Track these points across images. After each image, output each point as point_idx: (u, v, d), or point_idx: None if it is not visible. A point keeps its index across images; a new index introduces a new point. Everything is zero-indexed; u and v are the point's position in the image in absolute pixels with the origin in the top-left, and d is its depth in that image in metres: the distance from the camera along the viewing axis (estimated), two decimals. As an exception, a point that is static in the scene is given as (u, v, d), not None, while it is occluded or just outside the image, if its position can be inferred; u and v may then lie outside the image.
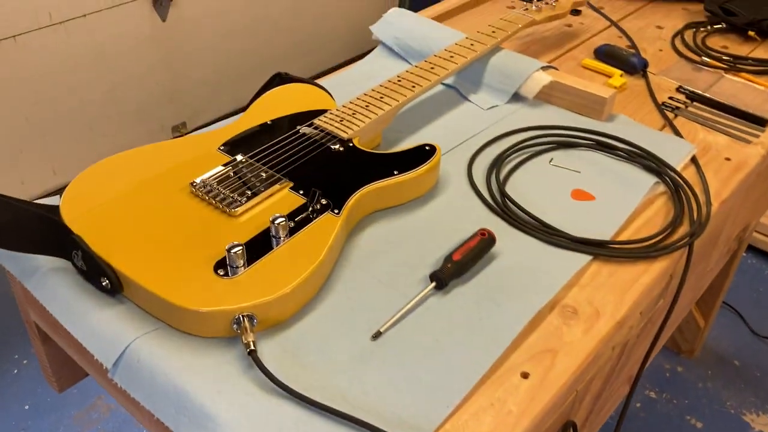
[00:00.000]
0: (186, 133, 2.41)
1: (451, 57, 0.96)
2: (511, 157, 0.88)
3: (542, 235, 0.76)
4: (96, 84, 2.06)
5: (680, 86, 1.06)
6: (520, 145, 0.90)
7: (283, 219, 0.66)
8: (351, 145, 0.81)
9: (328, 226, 0.69)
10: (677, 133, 0.95)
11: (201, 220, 0.69)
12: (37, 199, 0.87)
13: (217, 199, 0.71)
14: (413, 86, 0.90)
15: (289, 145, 0.80)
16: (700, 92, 1.04)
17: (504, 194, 0.81)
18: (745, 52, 1.18)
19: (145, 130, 2.27)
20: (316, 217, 0.70)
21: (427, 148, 0.81)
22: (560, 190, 0.83)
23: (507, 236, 0.76)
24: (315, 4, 2.60)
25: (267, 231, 0.68)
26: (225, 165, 0.76)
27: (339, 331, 0.64)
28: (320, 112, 0.86)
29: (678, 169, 0.87)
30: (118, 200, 0.71)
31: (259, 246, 0.67)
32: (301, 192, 0.73)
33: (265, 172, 0.75)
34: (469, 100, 1.00)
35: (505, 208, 0.79)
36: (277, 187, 0.73)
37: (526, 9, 1.11)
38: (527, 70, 0.98)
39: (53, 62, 1.93)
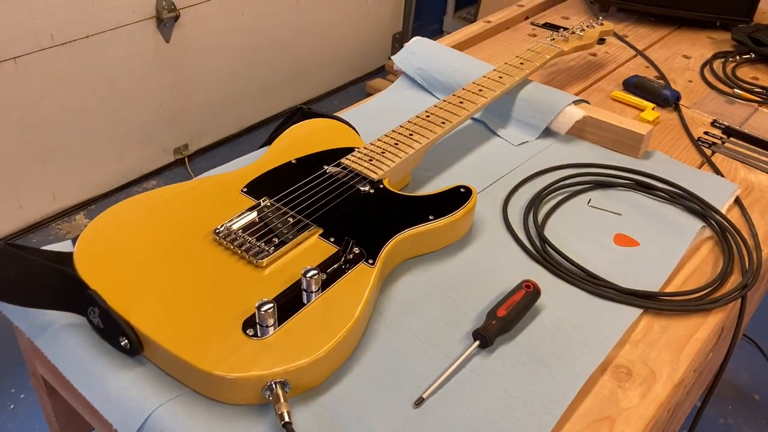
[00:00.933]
0: (188, 156, 2.37)
1: (480, 91, 0.92)
2: (548, 197, 0.84)
3: (588, 286, 0.71)
4: (98, 107, 2.01)
5: (715, 120, 1.02)
6: (556, 185, 0.85)
7: (316, 272, 0.61)
8: (381, 186, 0.76)
9: (362, 278, 0.64)
10: (717, 171, 0.91)
11: (226, 272, 0.64)
12: (37, 224, 0.80)
13: (243, 248, 0.66)
14: (443, 122, 0.86)
15: (316, 187, 0.75)
16: (737, 128, 1.00)
17: (544, 240, 0.76)
18: (777, 83, 1.14)
19: (147, 153, 2.22)
20: (349, 268, 0.65)
21: (462, 190, 0.76)
22: (602, 234, 0.79)
23: (549, 286, 0.71)
24: (318, 27, 2.57)
25: (297, 284, 0.63)
26: (249, 209, 0.71)
27: (378, 397, 0.59)
28: (347, 150, 0.82)
29: (723, 211, 0.83)
30: (136, 250, 0.65)
31: (289, 301, 0.62)
32: (332, 240, 0.69)
33: (293, 218, 0.70)
34: (499, 135, 0.95)
35: (545, 255, 0.75)
36: (305, 234, 0.69)
37: (553, 39, 1.07)
38: (559, 104, 0.94)
39: (54, 84, 1.89)
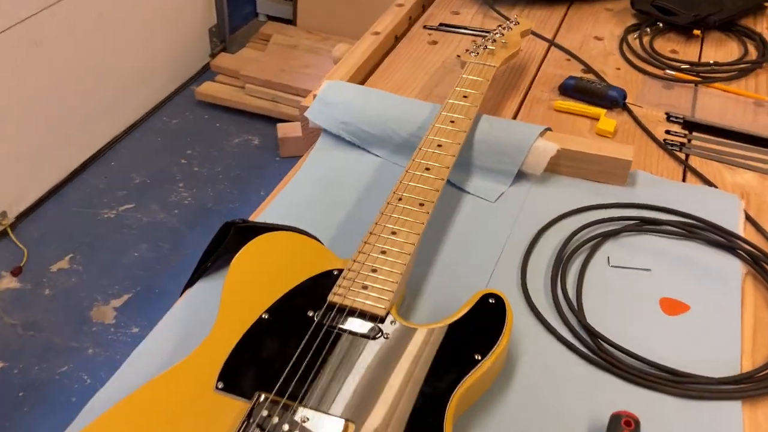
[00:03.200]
0: (11, 225, 1.97)
1: (440, 147, 0.75)
2: (568, 266, 0.70)
3: (674, 388, 0.59)
4: None
5: (669, 114, 0.93)
6: (569, 249, 0.72)
7: None
8: (393, 322, 0.58)
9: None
10: (708, 182, 0.82)
11: None
12: None
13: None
14: (421, 203, 0.68)
15: (317, 356, 0.56)
16: (696, 120, 0.92)
17: (592, 332, 0.63)
18: (694, 53, 1.08)
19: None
20: (421, 480, 0.48)
21: (491, 300, 0.60)
22: (644, 303, 0.67)
23: (623, 398, 0.58)
24: (128, 39, 2.22)
25: None
26: (245, 423, 0.50)
27: None
28: (325, 277, 0.62)
29: (741, 232, 0.74)
30: None
31: None
32: (375, 435, 0.50)
33: (311, 416, 0.51)
34: (468, 192, 0.79)
35: (604, 355, 0.61)
36: (337, 438, 0.50)
37: (476, 53, 0.91)
38: (525, 141, 0.80)
39: None
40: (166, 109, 2.46)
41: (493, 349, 0.56)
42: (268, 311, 0.59)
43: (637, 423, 0.54)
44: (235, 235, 0.68)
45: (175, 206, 2.00)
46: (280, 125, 2.16)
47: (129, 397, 0.52)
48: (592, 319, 0.65)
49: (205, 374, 0.54)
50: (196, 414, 0.51)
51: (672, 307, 0.66)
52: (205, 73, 2.63)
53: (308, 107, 0.89)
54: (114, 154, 2.19)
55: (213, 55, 2.58)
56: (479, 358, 0.56)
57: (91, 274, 1.79)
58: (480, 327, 0.58)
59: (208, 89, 2.43)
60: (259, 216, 0.76)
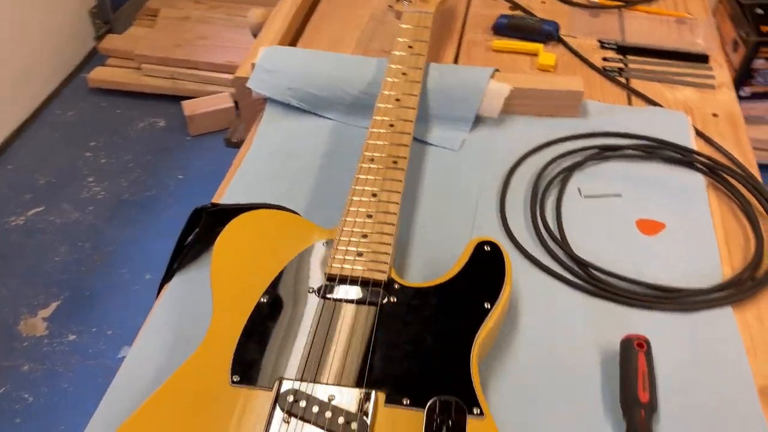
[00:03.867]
0: None
1: (398, 101, 0.73)
2: (544, 202, 0.71)
3: (665, 303, 0.61)
4: None
5: (601, 41, 0.95)
6: (539, 188, 0.72)
7: None
8: (397, 286, 0.57)
9: (491, 442, 0.47)
10: (652, 102, 0.84)
11: None
12: None
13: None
14: (394, 161, 0.67)
15: (328, 332, 0.54)
16: (627, 44, 0.94)
17: (581, 262, 0.64)
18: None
19: None
20: (464, 436, 0.47)
21: (486, 248, 0.60)
22: (622, 227, 0.68)
23: (619, 322, 0.60)
24: (5, 33, 2.04)
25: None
26: (272, 412, 0.48)
27: None
28: (316, 250, 0.60)
29: (693, 146, 0.77)
30: None
31: None
32: (407, 402, 0.49)
33: (335, 394, 0.49)
34: (431, 144, 0.78)
35: (594, 282, 0.63)
36: (369, 406, 0.48)
37: (409, 1, 0.89)
38: (478, 84, 0.79)
39: None
40: (58, 102, 2.29)
41: (500, 294, 0.56)
42: (265, 294, 0.56)
43: (648, 343, 0.56)
44: (208, 221, 0.64)
45: (88, 203, 1.88)
46: (185, 103, 2.07)
47: (145, 405, 0.49)
48: (577, 250, 0.66)
49: (217, 369, 0.51)
50: (218, 412, 0.49)
51: (649, 227, 0.68)
52: (93, 58, 2.46)
53: (243, 78, 0.85)
54: (10, 156, 2.03)
55: (99, 38, 2.42)
56: (489, 306, 0.55)
57: (11, 287, 1.67)
58: (482, 276, 0.58)
59: (100, 75, 2.29)
60: (221, 200, 0.72)
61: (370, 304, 0.55)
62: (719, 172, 0.73)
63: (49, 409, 1.45)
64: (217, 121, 2.08)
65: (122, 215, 1.85)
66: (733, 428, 0.52)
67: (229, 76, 1.50)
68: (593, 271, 0.64)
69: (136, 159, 2.02)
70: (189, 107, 2.06)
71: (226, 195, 0.72)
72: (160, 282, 0.66)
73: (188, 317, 0.60)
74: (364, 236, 0.60)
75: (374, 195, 0.64)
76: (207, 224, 0.64)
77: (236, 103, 1.88)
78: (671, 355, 0.57)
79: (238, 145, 0.85)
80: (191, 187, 1.93)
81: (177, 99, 2.14)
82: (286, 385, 0.50)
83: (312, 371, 0.51)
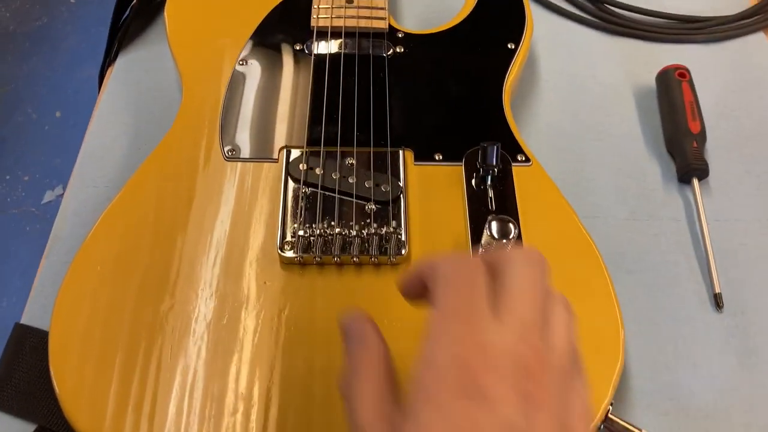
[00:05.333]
0: None
1: None
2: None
3: (695, 33, 0.54)
4: None
5: None
6: None
7: (513, 228, 0.36)
8: (401, 35, 0.48)
9: (548, 195, 0.41)
10: None
11: (363, 298, 0.36)
12: None
13: (359, 250, 0.37)
14: None
15: (332, 92, 0.44)
16: None
17: None
18: None
19: None
20: (509, 186, 0.41)
21: (497, -17, 0.50)
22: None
23: (649, 57, 0.53)
24: None
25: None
26: (288, 180, 0.40)
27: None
28: (291, 3, 0.49)
29: None
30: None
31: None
32: (439, 157, 0.42)
33: (356, 159, 0.41)
34: None
35: (617, 18, 0.55)
36: (399, 166, 0.41)
37: None
38: None
39: None
40: None
41: (524, 31, 0.48)
42: (242, 58, 0.46)
43: (688, 71, 0.49)
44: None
45: (-32, 41, 1.64)
46: None
47: (127, 186, 0.39)
48: (588, -11, 0.57)
49: (203, 145, 0.42)
50: (215, 192, 0.40)
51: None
52: None
53: None
54: None
55: None
56: (513, 46, 0.47)
57: None
58: (497, 14, 0.49)
59: None
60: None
61: (375, 57, 0.46)
62: None
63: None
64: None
65: (14, 50, 1.62)
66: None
67: None
68: (609, 7, 0.56)
69: (14, -17, 1.75)
70: None
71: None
72: (99, 71, 0.54)
73: (147, 95, 0.49)
74: (349, -20, 0.49)
75: (352, -67, 0.52)
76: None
77: None
78: (709, 85, 0.51)
79: None
80: (88, 11, 1.70)
81: None
82: (295, 153, 0.41)
83: (320, 136, 0.42)
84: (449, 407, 0.20)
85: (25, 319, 0.39)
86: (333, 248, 0.37)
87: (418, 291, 0.26)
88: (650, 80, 0.51)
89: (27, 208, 1.41)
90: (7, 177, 1.45)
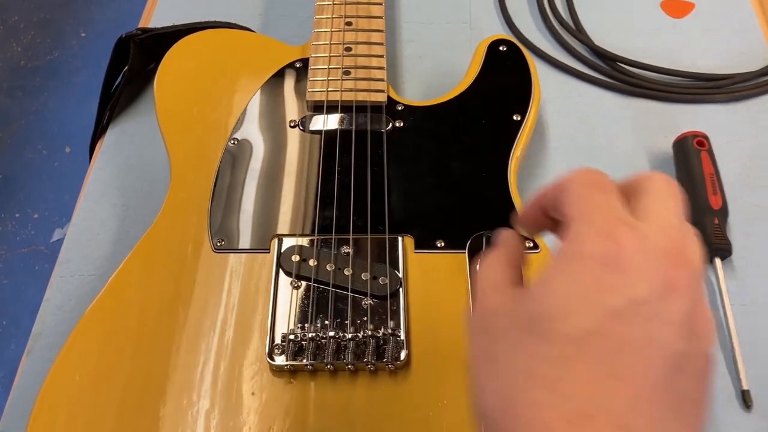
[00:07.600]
0: None
1: None
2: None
3: (712, 93, 0.51)
4: None
5: None
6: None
7: None
8: (401, 108, 0.45)
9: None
10: None
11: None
12: None
13: (354, 357, 0.34)
14: (367, -47, 0.52)
15: (326, 173, 0.42)
16: None
17: (606, 56, 0.53)
18: None
19: None
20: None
21: (501, 48, 0.48)
22: (646, 11, 0.57)
23: (665, 117, 0.50)
24: None
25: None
26: (279, 273, 0.37)
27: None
28: (289, 72, 0.47)
29: None
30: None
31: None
32: (441, 244, 0.39)
33: (352, 247, 0.39)
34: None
35: (629, 77, 0.52)
36: (397, 255, 0.38)
37: None
38: None
39: None
40: None
41: (530, 101, 0.45)
42: (233, 137, 0.44)
43: (707, 139, 0.46)
44: (138, 53, 0.49)
45: (-21, 75, 1.64)
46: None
47: (112, 281, 0.37)
48: (597, 42, 0.54)
49: (191, 236, 0.39)
50: (204, 286, 0.37)
51: (675, 7, 0.57)
52: None
53: None
54: None
55: None
56: (519, 118, 0.44)
57: None
58: (502, 82, 0.47)
59: None
60: (149, 23, 0.56)
61: (373, 132, 0.44)
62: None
63: (-13, 305, 1.32)
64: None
65: (25, 85, 1.62)
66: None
67: None
68: (622, 66, 0.53)
69: (25, 17, 1.76)
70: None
71: (155, 17, 0.56)
72: (90, 143, 0.52)
73: (134, 171, 0.47)
74: (348, 48, 0.47)
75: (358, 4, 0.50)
76: (138, 57, 0.49)
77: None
78: (730, 151, 0.48)
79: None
80: (100, 45, 1.70)
81: (61, -57, 1.84)
82: (288, 243, 0.39)
83: (315, 223, 0.39)
84: (583, 267, 0.20)
85: (3, 428, 0.37)
86: (326, 354, 0.34)
87: (540, 221, 0.26)
88: (666, 145, 0.48)
89: (36, 247, 1.40)
90: (17, 215, 1.44)
